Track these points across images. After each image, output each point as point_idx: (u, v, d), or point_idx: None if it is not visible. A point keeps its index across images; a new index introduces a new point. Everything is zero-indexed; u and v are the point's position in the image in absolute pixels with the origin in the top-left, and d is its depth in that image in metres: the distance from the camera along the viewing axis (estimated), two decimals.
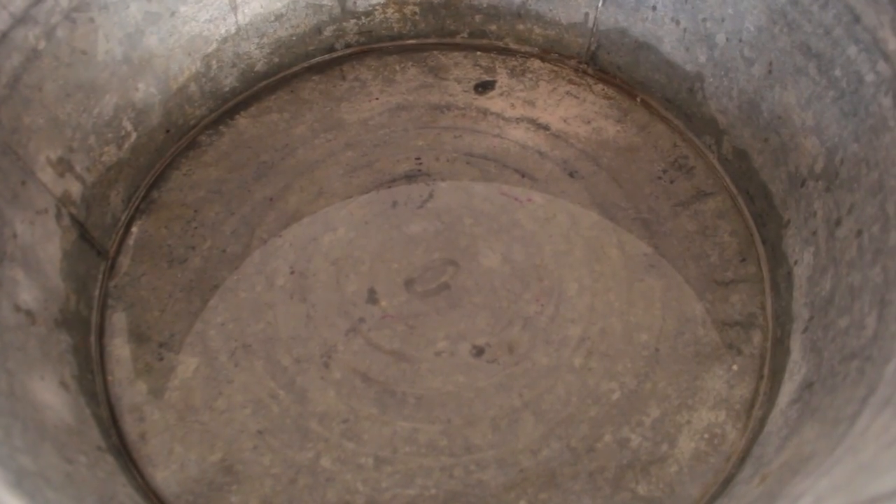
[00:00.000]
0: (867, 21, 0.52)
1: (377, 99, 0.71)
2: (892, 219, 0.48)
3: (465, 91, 0.71)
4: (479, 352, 0.57)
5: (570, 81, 0.71)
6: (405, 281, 0.60)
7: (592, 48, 0.72)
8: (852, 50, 0.53)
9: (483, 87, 0.71)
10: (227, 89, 0.70)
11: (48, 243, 0.55)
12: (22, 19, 0.54)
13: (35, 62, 0.55)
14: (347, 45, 0.74)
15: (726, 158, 0.65)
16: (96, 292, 0.60)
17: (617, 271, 0.61)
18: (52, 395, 0.50)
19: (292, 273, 0.61)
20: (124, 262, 0.62)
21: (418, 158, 0.67)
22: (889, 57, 0.50)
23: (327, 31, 0.73)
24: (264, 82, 0.72)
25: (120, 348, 0.58)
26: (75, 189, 0.59)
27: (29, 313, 0.52)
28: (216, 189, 0.65)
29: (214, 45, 0.69)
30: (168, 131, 0.67)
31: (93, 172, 0.61)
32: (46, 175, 0.56)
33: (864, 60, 0.52)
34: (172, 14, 0.65)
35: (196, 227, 0.63)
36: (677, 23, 0.66)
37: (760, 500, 0.44)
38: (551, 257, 0.61)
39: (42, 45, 0.56)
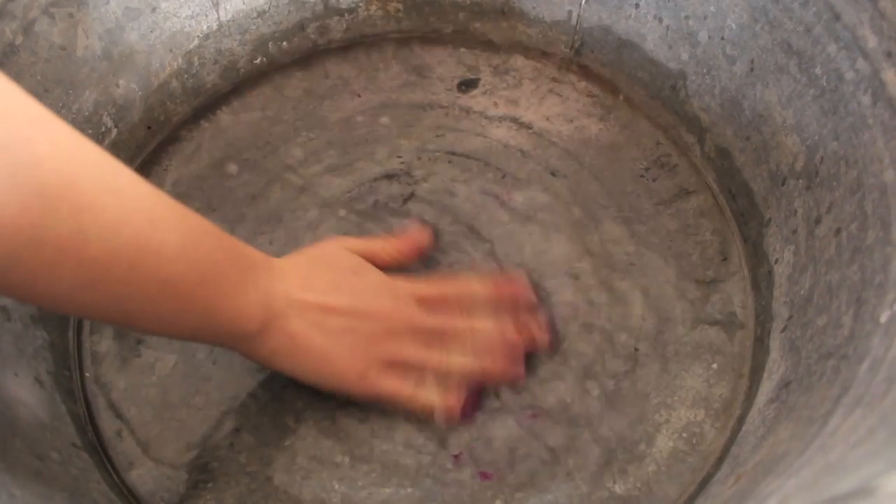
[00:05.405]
0: (847, 19, 0.52)
1: (360, 97, 0.70)
2: (870, 217, 0.48)
3: (449, 89, 0.71)
4: None
5: (554, 79, 0.71)
6: None
7: (576, 46, 0.71)
8: (832, 48, 0.53)
9: (466, 86, 0.71)
10: (209, 86, 0.70)
11: None
12: None
13: (12, 57, 0.55)
14: (330, 43, 0.74)
15: (709, 156, 0.65)
16: None
17: (598, 270, 0.60)
18: (26, 391, 0.50)
19: None
20: None
21: (400, 157, 0.66)
22: (868, 55, 0.50)
23: (310, 28, 0.73)
24: (246, 79, 0.71)
25: (98, 344, 0.58)
26: None
27: (4, 309, 0.52)
28: (197, 186, 0.65)
29: (196, 42, 0.68)
30: (149, 127, 0.67)
31: None
32: None
33: (843, 58, 0.52)
34: (153, 10, 0.65)
35: None
36: (660, 20, 0.66)
37: (732, 500, 0.44)
38: (532, 256, 0.61)
39: (20, 39, 0.56)
